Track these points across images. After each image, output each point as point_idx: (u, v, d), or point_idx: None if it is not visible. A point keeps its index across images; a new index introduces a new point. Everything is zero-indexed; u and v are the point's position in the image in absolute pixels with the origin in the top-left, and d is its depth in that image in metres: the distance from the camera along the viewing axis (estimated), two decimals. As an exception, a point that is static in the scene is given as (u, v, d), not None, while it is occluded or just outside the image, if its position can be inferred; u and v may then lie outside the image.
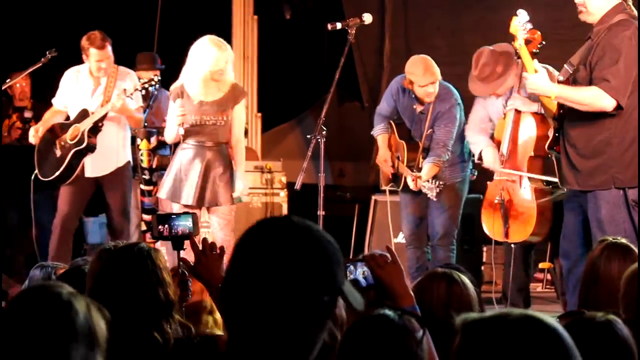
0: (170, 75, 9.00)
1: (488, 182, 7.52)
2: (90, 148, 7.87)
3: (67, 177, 7.91)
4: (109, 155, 7.96)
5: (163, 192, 7.26)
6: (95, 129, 7.89)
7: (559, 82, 6.03)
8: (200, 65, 7.06)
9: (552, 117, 6.17)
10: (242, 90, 7.37)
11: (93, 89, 8.00)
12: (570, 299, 6.05)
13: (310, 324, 2.25)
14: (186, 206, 7.05)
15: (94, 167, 7.95)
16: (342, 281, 2.31)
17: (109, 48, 7.94)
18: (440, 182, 7.36)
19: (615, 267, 4.11)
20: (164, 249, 6.40)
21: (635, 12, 5.93)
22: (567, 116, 5.96)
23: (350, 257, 9.33)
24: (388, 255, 3.41)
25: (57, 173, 7.90)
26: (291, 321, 2.23)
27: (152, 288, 3.46)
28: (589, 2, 5.89)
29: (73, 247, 8.27)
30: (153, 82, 7.87)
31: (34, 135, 7.97)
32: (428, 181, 7.36)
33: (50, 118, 8.09)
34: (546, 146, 6.49)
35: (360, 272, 3.35)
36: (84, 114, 7.91)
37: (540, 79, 5.90)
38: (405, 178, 7.70)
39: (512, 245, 7.19)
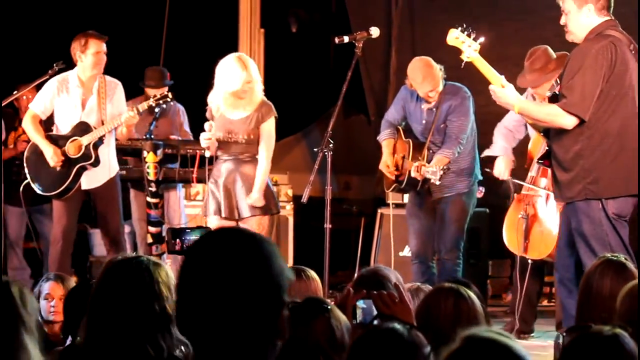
0: (178, 89, 9.04)
1: (516, 194, 7.53)
2: (96, 162, 7.88)
3: (70, 190, 7.91)
4: (102, 167, 7.96)
5: (207, 209, 7.33)
6: (99, 143, 7.90)
7: (549, 99, 6.04)
8: (223, 84, 7.14)
9: (539, 131, 6.15)
10: (270, 108, 7.32)
11: (83, 99, 7.97)
12: (566, 312, 6.06)
13: (266, 339, 2.30)
14: (223, 219, 7.17)
15: (89, 179, 7.95)
16: (286, 287, 2.35)
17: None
18: (444, 167, 7.29)
19: (607, 284, 4.11)
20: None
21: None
22: (550, 129, 5.98)
23: (356, 270, 9.33)
24: (395, 293, 3.41)
25: (64, 186, 7.88)
26: (246, 338, 2.27)
27: (148, 301, 3.46)
28: (569, 22, 5.91)
29: (79, 260, 8.27)
30: (168, 99, 7.87)
31: (55, 155, 7.90)
32: (432, 167, 7.29)
33: (41, 130, 8.03)
34: (536, 159, 6.46)
35: (361, 311, 3.37)
36: (83, 128, 7.90)
37: (508, 93, 5.87)
38: (408, 174, 7.60)
39: (529, 261, 7.19)
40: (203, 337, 2.28)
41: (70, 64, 8.08)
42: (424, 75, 7.62)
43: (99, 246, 9.59)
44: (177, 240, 4.07)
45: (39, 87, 8.67)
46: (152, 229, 8.32)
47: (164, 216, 8.39)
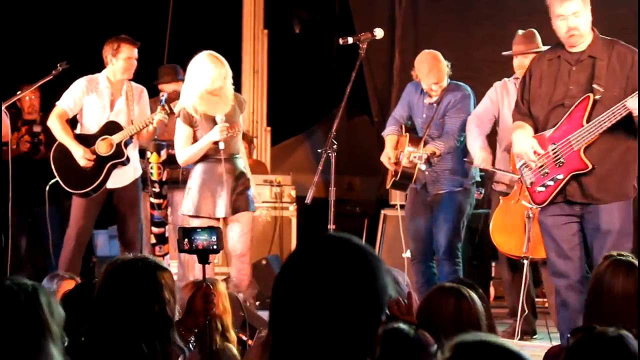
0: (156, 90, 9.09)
1: (501, 197, 7.52)
2: (127, 160, 7.91)
3: (100, 188, 7.91)
4: (128, 168, 7.98)
5: (186, 209, 7.31)
6: (129, 141, 7.93)
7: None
8: (198, 83, 7.16)
9: None
10: (243, 99, 7.58)
11: (112, 100, 8.00)
12: (565, 315, 6.02)
13: (358, 357, 2.21)
14: (211, 219, 7.15)
15: (114, 178, 7.97)
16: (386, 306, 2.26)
17: (137, 52, 8.01)
18: (428, 151, 7.37)
19: (619, 283, 4.12)
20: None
21: None
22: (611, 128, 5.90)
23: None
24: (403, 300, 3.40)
25: (95, 184, 7.88)
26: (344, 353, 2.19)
27: (149, 303, 3.47)
28: (581, 23, 5.87)
29: (82, 260, 8.26)
30: None
31: (89, 160, 7.90)
32: (419, 152, 7.36)
33: (69, 130, 8.04)
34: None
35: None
36: (113, 127, 7.91)
37: None
38: (402, 167, 7.64)
39: (525, 261, 7.17)
40: (295, 345, 2.18)
41: (73, 65, 8.09)
42: (430, 67, 7.67)
43: (103, 247, 9.60)
44: (186, 240, 4.06)
45: (42, 88, 8.68)
46: (155, 230, 8.32)
47: (167, 217, 8.39)
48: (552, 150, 5.95)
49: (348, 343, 2.16)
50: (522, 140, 6.02)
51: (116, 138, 7.87)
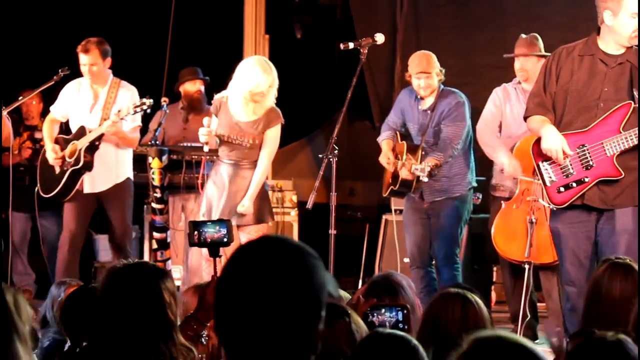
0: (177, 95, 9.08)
1: (503, 202, 7.51)
2: (87, 166, 7.94)
3: (66, 194, 8.00)
4: (107, 172, 8.02)
5: (201, 212, 7.35)
6: (93, 148, 7.94)
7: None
8: (243, 84, 7.15)
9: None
10: (278, 115, 7.34)
11: (92, 104, 8.04)
12: (573, 320, 6.00)
13: (300, 353, 2.26)
14: None
15: (92, 183, 8.02)
16: (325, 302, 2.31)
17: (97, 55, 7.96)
18: (430, 164, 7.33)
19: (617, 286, 4.12)
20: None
21: None
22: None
23: (360, 276, 9.34)
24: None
25: (57, 190, 7.98)
26: (286, 352, 2.24)
27: (150, 307, 3.48)
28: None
29: (84, 265, 8.29)
30: (145, 107, 7.86)
31: (55, 158, 7.98)
32: (421, 164, 7.34)
33: (52, 131, 8.13)
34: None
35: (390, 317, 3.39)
36: (81, 132, 7.96)
37: None
38: (401, 178, 7.64)
39: (526, 266, 7.17)
40: (239, 346, 2.24)
41: (74, 70, 8.12)
42: (419, 59, 7.72)
43: (104, 252, 9.60)
44: (196, 232, 4.08)
45: (43, 93, 8.71)
46: (156, 235, 8.33)
47: (168, 222, 8.39)
48: (581, 151, 5.91)
49: (290, 340, 2.22)
50: (554, 137, 5.89)
51: (79, 144, 7.93)
